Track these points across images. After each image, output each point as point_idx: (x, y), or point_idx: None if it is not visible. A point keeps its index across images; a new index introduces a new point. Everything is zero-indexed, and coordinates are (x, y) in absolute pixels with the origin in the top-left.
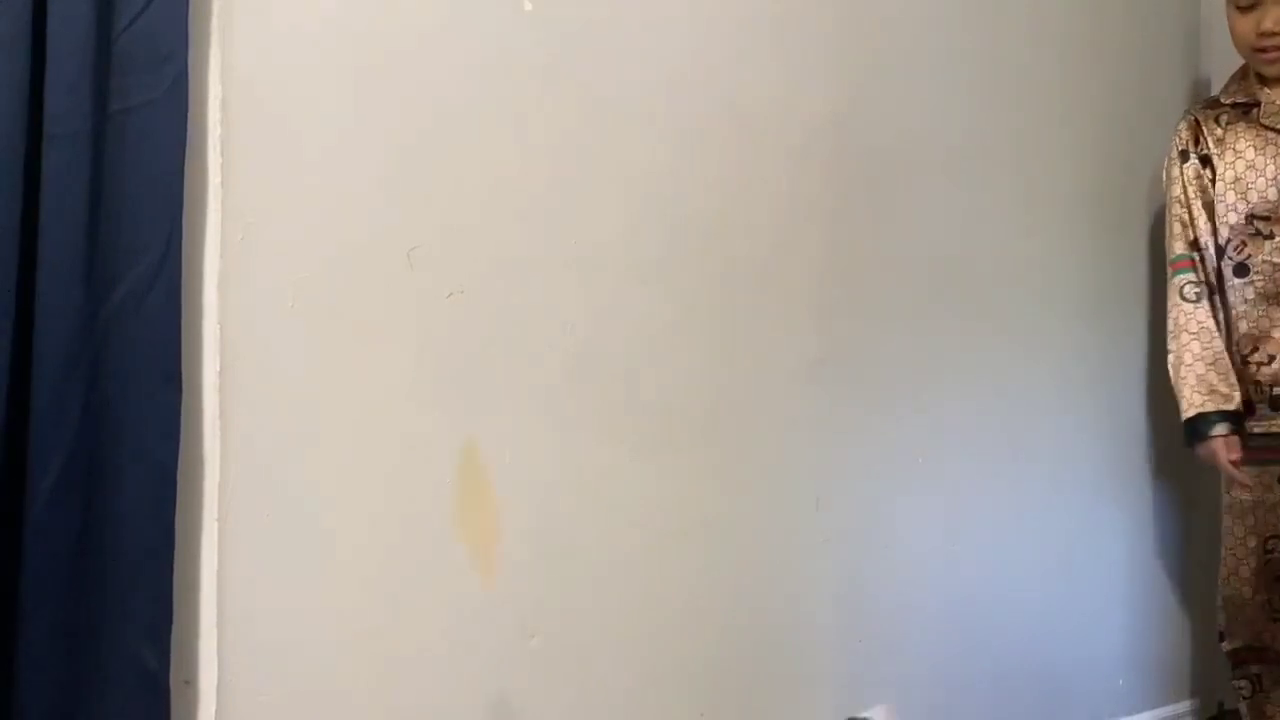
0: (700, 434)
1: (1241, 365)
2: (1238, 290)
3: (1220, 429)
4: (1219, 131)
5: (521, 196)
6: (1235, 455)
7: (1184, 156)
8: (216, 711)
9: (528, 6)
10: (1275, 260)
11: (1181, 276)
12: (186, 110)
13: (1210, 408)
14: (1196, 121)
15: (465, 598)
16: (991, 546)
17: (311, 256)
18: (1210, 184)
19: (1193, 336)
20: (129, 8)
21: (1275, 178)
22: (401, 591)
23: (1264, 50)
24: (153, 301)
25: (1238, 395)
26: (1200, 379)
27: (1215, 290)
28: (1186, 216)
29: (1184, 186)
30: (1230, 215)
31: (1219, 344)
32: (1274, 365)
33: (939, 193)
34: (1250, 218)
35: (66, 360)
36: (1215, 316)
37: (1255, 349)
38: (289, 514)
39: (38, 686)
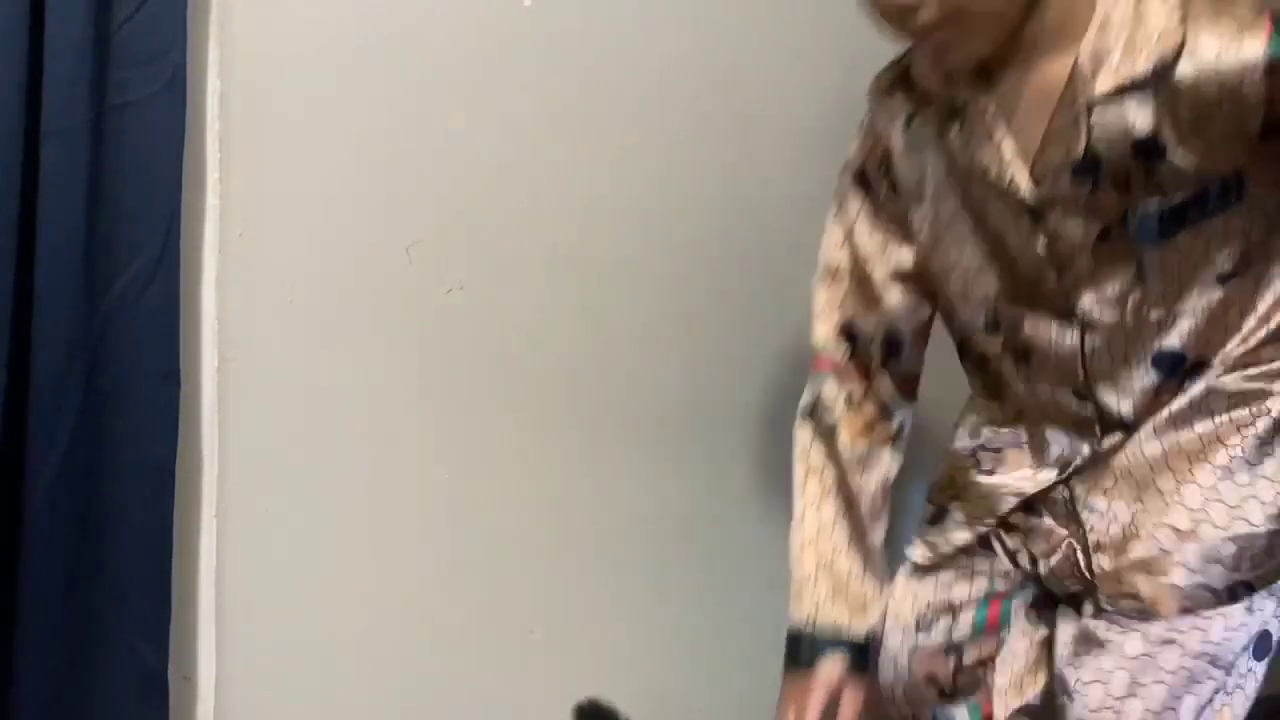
0: (700, 432)
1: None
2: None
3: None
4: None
5: (521, 193)
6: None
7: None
8: (215, 707)
9: (526, 3)
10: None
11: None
12: (184, 105)
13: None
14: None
15: (464, 593)
16: None
17: (310, 252)
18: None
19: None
20: (127, 2)
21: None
22: (400, 586)
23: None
24: (151, 297)
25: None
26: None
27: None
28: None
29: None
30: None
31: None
32: None
33: None
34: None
35: (65, 356)
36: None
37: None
38: (287, 510)
39: (36, 682)
